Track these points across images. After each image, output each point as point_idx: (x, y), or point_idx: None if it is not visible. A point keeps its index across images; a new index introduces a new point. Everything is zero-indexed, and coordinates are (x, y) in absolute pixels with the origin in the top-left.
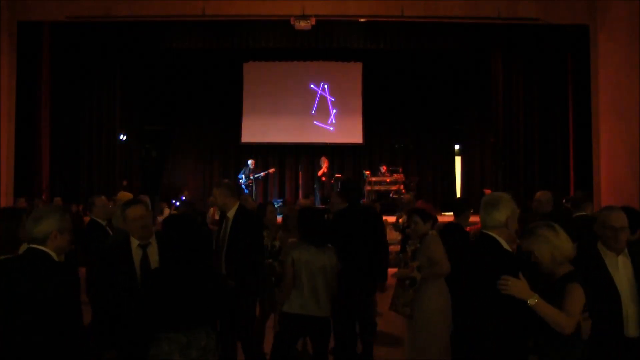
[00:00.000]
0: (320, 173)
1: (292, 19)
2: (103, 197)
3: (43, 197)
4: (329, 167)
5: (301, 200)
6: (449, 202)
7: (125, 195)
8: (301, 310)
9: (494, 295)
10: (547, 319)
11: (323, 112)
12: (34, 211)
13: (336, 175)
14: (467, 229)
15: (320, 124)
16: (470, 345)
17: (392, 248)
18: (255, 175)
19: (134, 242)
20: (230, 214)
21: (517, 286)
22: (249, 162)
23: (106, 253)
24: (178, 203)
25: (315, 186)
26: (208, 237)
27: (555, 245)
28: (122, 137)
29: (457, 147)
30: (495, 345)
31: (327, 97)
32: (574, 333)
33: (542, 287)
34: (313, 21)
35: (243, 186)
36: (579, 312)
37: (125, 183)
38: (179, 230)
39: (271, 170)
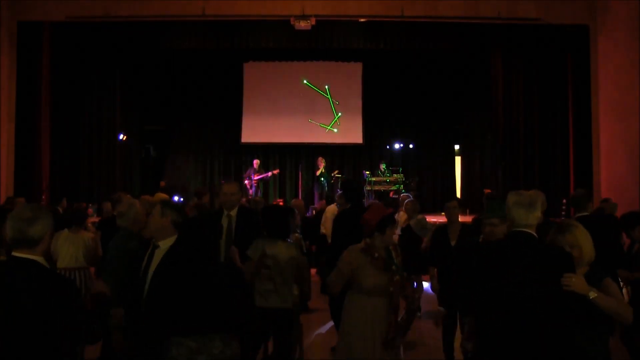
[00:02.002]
0: (317, 173)
1: (292, 19)
2: (129, 196)
3: (43, 197)
4: (327, 167)
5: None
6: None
7: (160, 197)
8: (264, 304)
9: (551, 291)
10: (608, 309)
11: (323, 112)
12: (22, 210)
13: (335, 175)
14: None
15: (320, 124)
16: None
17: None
18: (260, 177)
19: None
20: (234, 212)
21: (578, 282)
22: (254, 162)
23: (139, 250)
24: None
25: (315, 186)
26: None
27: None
28: (122, 137)
29: (457, 147)
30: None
31: (326, 97)
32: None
33: None
34: (313, 21)
35: (248, 186)
36: None
37: (162, 184)
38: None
39: (275, 172)
